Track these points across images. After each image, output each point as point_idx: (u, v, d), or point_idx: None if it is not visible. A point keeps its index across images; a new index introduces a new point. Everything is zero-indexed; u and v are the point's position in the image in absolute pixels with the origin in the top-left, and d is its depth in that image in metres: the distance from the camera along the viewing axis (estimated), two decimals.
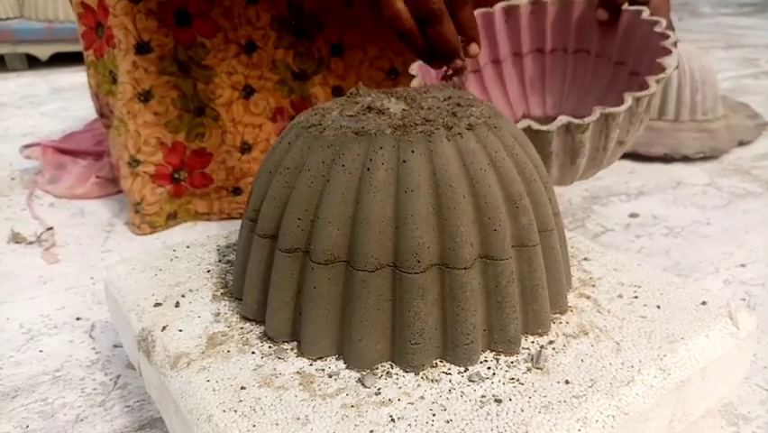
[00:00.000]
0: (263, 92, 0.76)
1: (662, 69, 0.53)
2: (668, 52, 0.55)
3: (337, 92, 0.78)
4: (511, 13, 0.68)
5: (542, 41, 0.69)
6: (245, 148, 0.77)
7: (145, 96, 0.70)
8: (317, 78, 0.77)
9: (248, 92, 0.75)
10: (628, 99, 0.51)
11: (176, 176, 0.75)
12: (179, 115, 0.73)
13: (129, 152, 0.71)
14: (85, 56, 0.75)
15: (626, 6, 0.62)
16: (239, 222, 0.40)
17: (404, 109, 0.36)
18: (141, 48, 0.67)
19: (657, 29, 0.58)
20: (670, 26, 0.59)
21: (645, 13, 0.60)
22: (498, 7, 0.68)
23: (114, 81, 0.71)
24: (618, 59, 0.64)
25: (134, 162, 0.72)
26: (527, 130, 0.50)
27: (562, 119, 0.50)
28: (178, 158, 0.74)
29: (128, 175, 0.72)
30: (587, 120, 0.50)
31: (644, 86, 0.52)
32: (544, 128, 0.50)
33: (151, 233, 0.75)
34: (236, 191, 0.78)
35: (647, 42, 0.59)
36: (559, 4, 0.67)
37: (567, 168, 0.55)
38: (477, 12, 0.68)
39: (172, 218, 0.76)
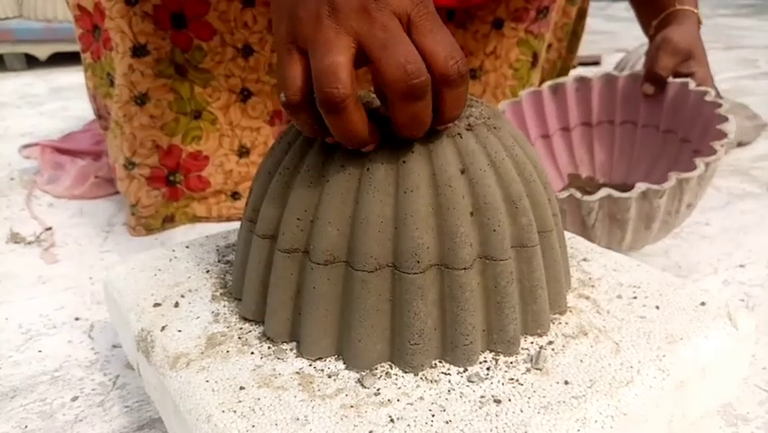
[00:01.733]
0: (261, 95, 0.75)
1: (723, 134, 0.57)
2: (724, 119, 0.59)
3: None
4: (558, 90, 0.74)
5: (588, 116, 0.74)
6: (243, 151, 0.77)
7: (141, 99, 0.69)
8: None
9: (245, 95, 0.75)
10: (701, 165, 0.54)
11: (171, 178, 0.75)
12: (176, 119, 0.72)
13: (124, 154, 0.71)
14: (82, 58, 0.75)
15: (671, 79, 0.67)
16: (238, 222, 0.40)
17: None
18: (138, 51, 0.67)
19: (708, 98, 0.62)
20: (718, 96, 0.63)
21: (692, 84, 0.65)
22: (545, 86, 0.73)
23: (112, 84, 0.71)
24: (667, 128, 0.68)
25: (130, 165, 0.72)
26: (607, 199, 0.53)
27: (641, 186, 0.53)
28: (173, 160, 0.74)
29: (124, 177, 0.72)
30: (664, 186, 0.53)
31: (706, 151, 0.56)
32: (624, 195, 0.53)
33: (147, 235, 0.75)
34: (235, 196, 0.78)
35: (698, 111, 0.63)
36: (603, 79, 0.72)
37: (641, 233, 0.58)
38: (526, 92, 0.73)
39: (169, 221, 0.76)
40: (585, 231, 0.57)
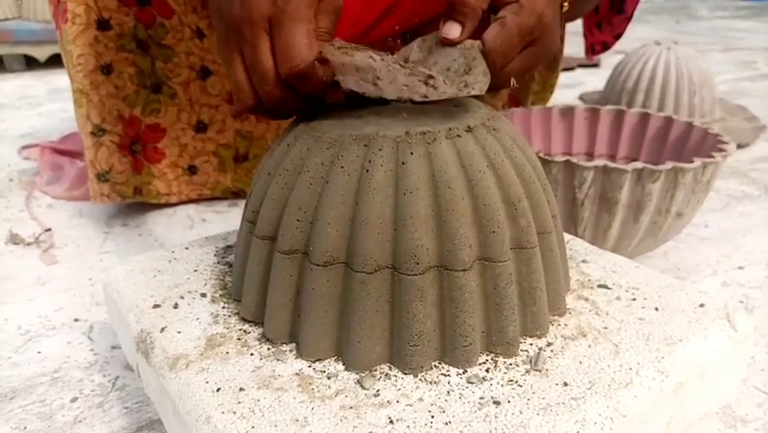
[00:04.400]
0: (219, 75, 0.78)
1: (723, 150, 0.58)
2: (725, 142, 0.60)
3: None
4: (567, 114, 0.76)
5: (591, 147, 0.76)
6: (200, 127, 0.79)
7: (107, 69, 0.71)
8: None
9: (205, 73, 0.77)
10: (697, 161, 0.54)
11: (133, 148, 0.77)
12: (136, 91, 0.74)
13: (92, 121, 0.72)
14: (57, 36, 0.76)
15: (675, 117, 0.69)
16: (236, 223, 0.40)
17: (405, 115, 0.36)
18: (102, 24, 0.69)
19: (711, 131, 0.64)
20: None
21: (697, 122, 0.67)
22: (556, 107, 0.76)
23: None
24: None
25: (100, 132, 0.73)
26: (602, 170, 0.53)
27: (637, 164, 0.53)
28: (134, 131, 0.76)
29: (91, 146, 0.73)
30: (660, 167, 0.53)
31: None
32: (620, 167, 0.53)
33: (121, 202, 0.76)
34: (191, 169, 0.81)
35: (701, 145, 0.65)
36: (613, 113, 0.74)
37: (629, 225, 0.57)
38: (536, 108, 0.75)
39: (138, 193, 0.78)
40: (574, 209, 0.57)
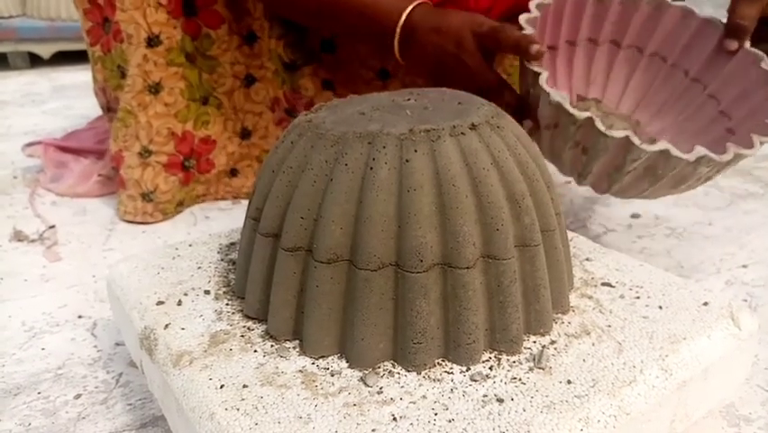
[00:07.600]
0: (263, 81, 0.78)
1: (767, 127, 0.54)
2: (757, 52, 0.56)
3: (327, 86, 0.80)
4: (603, 0, 0.68)
5: (621, 35, 0.69)
6: (245, 134, 0.80)
7: (156, 88, 0.72)
8: (307, 70, 0.79)
9: (249, 81, 0.78)
10: (757, 143, 0.51)
11: (186, 164, 0.77)
12: (187, 105, 0.75)
13: (141, 142, 0.73)
14: (90, 52, 0.76)
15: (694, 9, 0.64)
16: (240, 220, 0.40)
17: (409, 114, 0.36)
18: (152, 41, 0.69)
19: (764, 65, 0.58)
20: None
21: (749, 48, 0.61)
22: None
23: (123, 76, 0.73)
24: (697, 76, 0.64)
25: (146, 153, 0.74)
26: (663, 153, 0.50)
27: (700, 150, 0.50)
28: (188, 147, 0.77)
29: (136, 165, 0.74)
30: (723, 158, 0.50)
31: (740, 134, 0.54)
32: (683, 157, 0.49)
33: (162, 220, 0.77)
34: (233, 172, 0.82)
35: (743, 74, 0.60)
36: (653, 4, 0.67)
37: (663, 190, 0.56)
38: None
39: (180, 205, 0.79)
40: (615, 174, 0.54)
